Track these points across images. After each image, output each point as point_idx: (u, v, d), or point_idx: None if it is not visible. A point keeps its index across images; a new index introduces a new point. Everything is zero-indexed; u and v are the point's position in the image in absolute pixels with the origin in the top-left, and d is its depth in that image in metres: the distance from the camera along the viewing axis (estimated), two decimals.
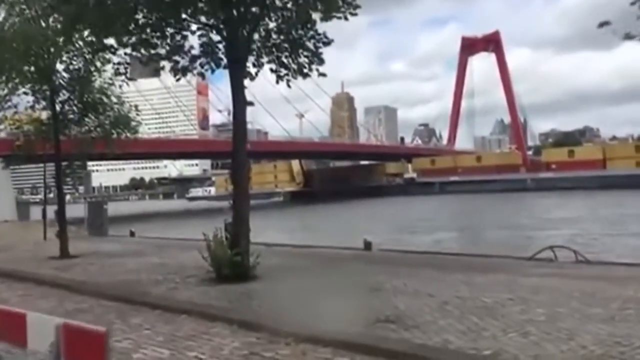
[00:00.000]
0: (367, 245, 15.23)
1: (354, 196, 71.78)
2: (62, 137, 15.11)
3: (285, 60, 10.41)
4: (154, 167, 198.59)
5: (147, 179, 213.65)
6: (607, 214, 31.95)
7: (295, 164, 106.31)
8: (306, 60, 10.35)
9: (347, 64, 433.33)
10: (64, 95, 14.88)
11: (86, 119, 14.92)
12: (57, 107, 14.73)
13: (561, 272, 9.62)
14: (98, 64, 14.58)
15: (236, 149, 10.00)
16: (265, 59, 10.29)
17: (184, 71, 10.54)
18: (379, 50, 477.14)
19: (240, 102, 10.09)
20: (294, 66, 10.45)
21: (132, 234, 23.57)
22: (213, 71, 10.55)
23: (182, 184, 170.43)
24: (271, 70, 10.56)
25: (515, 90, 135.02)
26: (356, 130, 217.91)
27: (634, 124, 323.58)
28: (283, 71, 10.54)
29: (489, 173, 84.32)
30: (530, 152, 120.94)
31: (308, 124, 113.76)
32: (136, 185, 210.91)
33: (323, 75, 10.60)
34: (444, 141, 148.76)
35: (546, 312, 6.26)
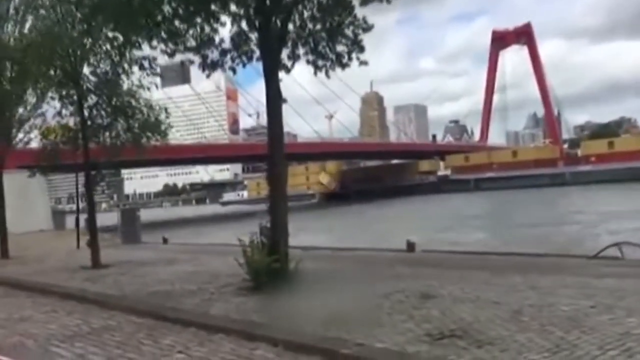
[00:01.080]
0: (410, 246, 14.37)
1: (388, 196, 70.93)
2: (92, 144, 14.73)
3: (322, 50, 9.68)
4: (186, 173, 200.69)
5: (179, 185, 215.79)
6: None
7: (331, 165, 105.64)
8: (345, 48, 9.60)
9: (376, 62, 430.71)
10: (92, 99, 14.44)
11: (115, 124, 14.46)
12: (86, 113, 14.32)
13: (633, 272, 8.64)
14: (125, 65, 14.14)
15: (273, 148, 9.29)
16: (301, 50, 9.55)
17: (214, 66, 9.88)
18: (407, 48, 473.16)
19: (275, 98, 9.38)
20: (332, 56, 9.72)
21: (165, 240, 23.17)
22: (244, 65, 9.85)
23: (214, 189, 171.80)
24: (307, 61, 9.84)
25: (549, 82, 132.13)
26: (386, 129, 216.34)
27: None
28: (320, 62, 9.82)
29: (526, 168, 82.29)
30: (565, 146, 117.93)
31: (337, 125, 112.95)
32: (170, 192, 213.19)
33: (364, 63, 9.82)
34: (476, 137, 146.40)
35: None
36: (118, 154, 14.70)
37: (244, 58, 9.76)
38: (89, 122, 14.32)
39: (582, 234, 20.00)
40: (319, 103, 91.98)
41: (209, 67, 9.84)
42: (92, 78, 14.26)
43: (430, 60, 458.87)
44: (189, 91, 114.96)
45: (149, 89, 13.99)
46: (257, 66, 9.86)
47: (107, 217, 34.93)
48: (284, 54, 9.58)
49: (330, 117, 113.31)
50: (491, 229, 25.64)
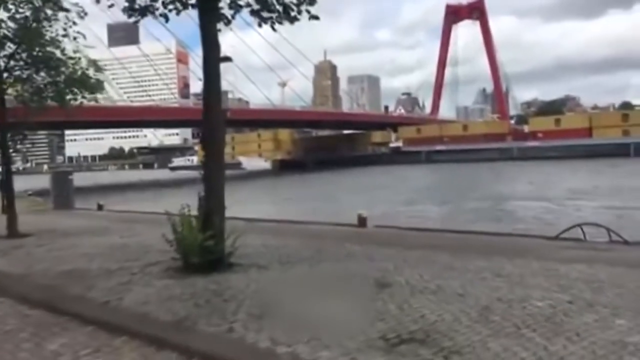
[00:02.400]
0: (362, 221, 13.47)
1: (341, 165, 70.67)
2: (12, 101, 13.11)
3: (268, 0, 8.42)
4: (134, 137, 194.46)
5: (127, 148, 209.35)
6: (610, 185, 30.41)
7: (284, 132, 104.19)
8: (294, 0, 8.38)
9: (332, 31, 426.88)
10: (10, 48, 12.75)
11: (35, 76, 12.81)
12: (1, 63, 12.64)
13: (603, 257, 7.92)
14: (48, 11, 12.49)
15: (208, 108, 8.04)
16: None
17: (143, 12, 8.49)
18: (364, 18, 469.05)
19: (212, 53, 8.10)
20: (279, 7, 8.47)
21: (100, 207, 21.62)
22: (178, 12, 8.47)
23: (163, 153, 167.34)
24: (251, 12, 8.56)
25: (499, 58, 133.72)
26: (339, 99, 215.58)
27: (614, 93, 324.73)
28: (266, 13, 8.56)
29: (475, 142, 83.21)
30: (512, 121, 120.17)
31: (290, 93, 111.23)
32: (116, 155, 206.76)
33: (315, 18, 8.61)
34: (427, 110, 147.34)
35: (634, 327, 4.53)
36: (40, 112, 13.08)
37: (178, 4, 8.41)
38: (5, 74, 12.67)
39: (537, 211, 19.59)
40: (272, 70, 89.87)
41: (136, 12, 8.44)
42: (10, 24, 12.56)
43: (387, 31, 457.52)
44: (137, 52, 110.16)
45: (75, 38, 12.42)
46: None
47: (46, 180, 32.68)
48: (224, 1, 8.30)
49: (284, 84, 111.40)
50: (445, 204, 25.12)
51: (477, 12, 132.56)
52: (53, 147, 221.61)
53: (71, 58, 12.35)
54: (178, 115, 73.24)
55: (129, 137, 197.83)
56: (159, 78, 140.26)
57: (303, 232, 12.55)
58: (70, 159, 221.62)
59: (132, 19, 8.55)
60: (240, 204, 29.44)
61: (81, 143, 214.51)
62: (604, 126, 79.33)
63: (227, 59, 14.18)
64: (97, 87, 12.74)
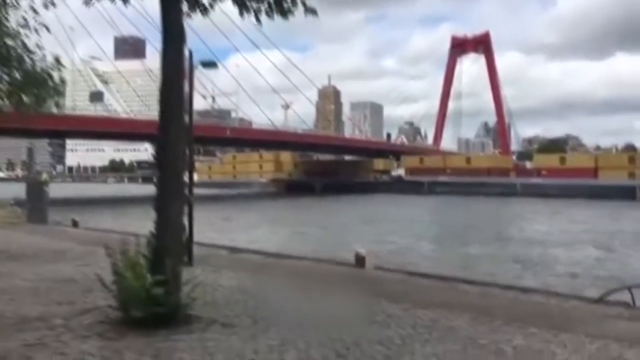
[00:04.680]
0: (360, 261, 11.60)
1: (342, 191, 69.30)
2: None
3: None
4: (134, 150, 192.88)
5: (127, 161, 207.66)
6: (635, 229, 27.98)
7: (286, 154, 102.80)
8: None
9: (340, 57, 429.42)
10: None
11: None
12: None
13: None
14: None
15: (166, 119, 6.18)
16: None
17: None
18: (372, 46, 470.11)
19: (173, 44, 6.29)
20: None
21: (74, 223, 19.72)
22: None
23: None
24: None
25: (503, 93, 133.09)
26: (342, 124, 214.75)
27: (614, 135, 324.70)
28: (254, 3, 6.81)
29: (478, 175, 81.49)
30: (513, 157, 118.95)
31: (293, 116, 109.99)
32: (116, 168, 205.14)
33: (313, 12, 6.84)
34: (429, 140, 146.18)
35: None
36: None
37: None
38: None
39: (560, 258, 17.51)
40: (276, 91, 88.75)
41: None
42: None
43: (393, 60, 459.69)
44: (145, 67, 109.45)
45: (36, 30, 10.67)
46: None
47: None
48: None
49: (287, 106, 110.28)
50: (453, 242, 22.93)
51: (483, 45, 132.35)
52: (30, 155, 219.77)
53: (30, 52, 10.57)
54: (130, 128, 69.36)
55: (130, 150, 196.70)
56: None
57: (292, 271, 10.68)
58: (70, 169, 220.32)
59: (88, 5, 6.81)
60: (234, 228, 27.80)
61: (82, 154, 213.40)
62: (610, 167, 77.68)
63: (212, 64, 12.40)
64: (57, 90, 10.90)
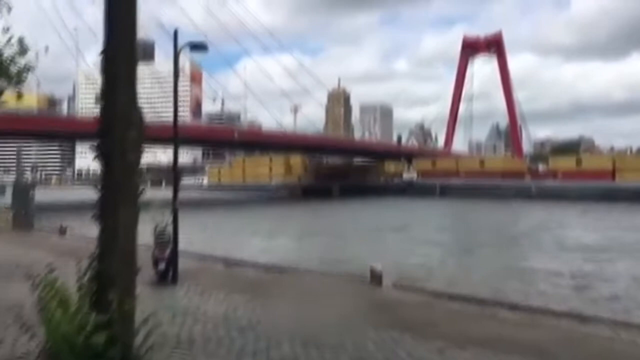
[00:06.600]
0: (376, 278, 10.22)
1: (357, 194, 68.14)
2: None
3: None
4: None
5: None
6: None
7: (296, 157, 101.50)
8: None
9: (352, 60, 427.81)
10: None
11: None
12: None
13: None
14: None
15: (107, 116, 4.63)
16: None
17: None
18: (384, 47, 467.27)
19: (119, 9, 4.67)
20: None
21: (62, 230, 18.50)
22: None
23: (172, 172, 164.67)
24: None
25: (516, 95, 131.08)
26: (351, 127, 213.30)
27: (628, 137, 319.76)
28: None
29: (492, 178, 79.76)
30: (527, 159, 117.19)
31: (303, 119, 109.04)
32: None
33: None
34: (440, 143, 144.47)
35: None
36: None
37: None
38: None
39: (619, 273, 15.32)
40: (285, 95, 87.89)
41: None
42: None
43: (404, 62, 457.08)
44: (156, 69, 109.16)
45: None
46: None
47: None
48: None
49: (296, 109, 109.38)
50: (476, 252, 21.13)
51: (495, 46, 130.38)
52: (18, 157, 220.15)
53: None
54: (186, 134, 70.14)
55: None
56: (170, 96, 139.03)
57: (296, 290, 9.31)
58: (80, 173, 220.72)
59: None
60: (245, 235, 26.19)
61: (91, 157, 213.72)
62: (628, 169, 75.65)
63: (202, 47, 11.01)
64: (20, 75, 9.50)
